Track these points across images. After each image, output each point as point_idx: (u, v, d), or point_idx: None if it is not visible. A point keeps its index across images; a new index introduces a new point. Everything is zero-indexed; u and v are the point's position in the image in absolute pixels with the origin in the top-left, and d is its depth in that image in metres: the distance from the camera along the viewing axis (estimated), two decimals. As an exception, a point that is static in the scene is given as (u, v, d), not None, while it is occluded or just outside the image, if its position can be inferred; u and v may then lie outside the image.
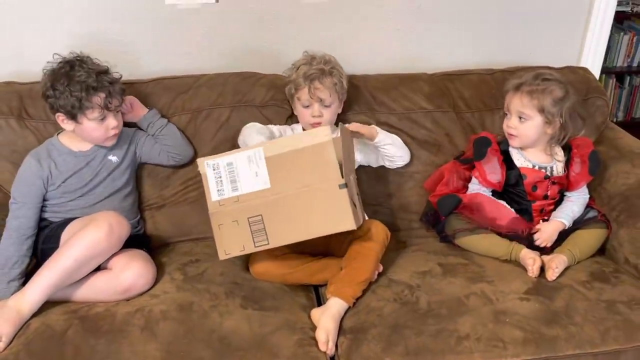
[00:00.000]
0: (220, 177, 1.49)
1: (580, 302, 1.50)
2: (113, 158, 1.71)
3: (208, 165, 1.49)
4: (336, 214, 1.44)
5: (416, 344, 1.38)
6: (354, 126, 1.67)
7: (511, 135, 1.74)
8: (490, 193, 1.75)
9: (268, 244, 1.48)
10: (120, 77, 1.67)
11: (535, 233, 1.71)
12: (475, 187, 1.76)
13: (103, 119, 1.61)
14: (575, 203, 1.75)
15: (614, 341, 1.41)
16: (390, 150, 1.78)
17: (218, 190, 1.49)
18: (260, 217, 1.47)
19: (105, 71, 1.64)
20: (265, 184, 1.47)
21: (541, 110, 1.68)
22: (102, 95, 1.59)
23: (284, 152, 1.46)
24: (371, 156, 1.83)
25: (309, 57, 1.77)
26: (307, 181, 1.44)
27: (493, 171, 1.73)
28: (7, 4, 1.83)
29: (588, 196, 1.78)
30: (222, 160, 1.49)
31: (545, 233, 1.69)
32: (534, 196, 1.73)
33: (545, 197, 1.74)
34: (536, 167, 1.74)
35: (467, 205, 1.74)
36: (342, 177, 1.43)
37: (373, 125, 1.78)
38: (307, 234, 1.48)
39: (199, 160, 1.51)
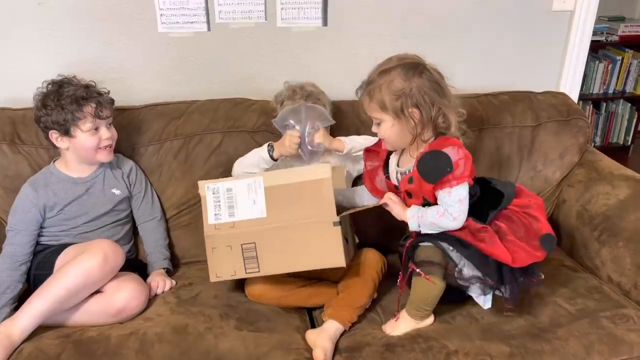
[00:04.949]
0: (219, 201, 1.51)
1: (564, 318, 1.54)
2: (117, 192, 1.73)
3: (208, 189, 1.51)
4: (328, 250, 1.46)
5: (408, 361, 1.40)
6: (320, 136, 1.65)
7: (381, 139, 1.56)
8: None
9: (259, 271, 1.50)
10: (108, 92, 1.70)
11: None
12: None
13: (96, 129, 1.64)
14: (431, 208, 1.47)
15: (598, 355, 1.44)
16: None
17: (215, 214, 1.51)
18: (253, 245, 1.49)
19: (93, 85, 1.68)
20: (261, 213, 1.49)
21: (384, 108, 1.44)
22: (93, 104, 1.62)
23: (283, 184, 1.48)
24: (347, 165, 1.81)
25: (290, 90, 1.77)
26: (303, 215, 1.46)
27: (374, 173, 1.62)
28: (0, 31, 1.85)
29: (448, 212, 1.42)
30: (223, 185, 1.51)
31: (394, 207, 1.53)
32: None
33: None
34: (397, 173, 1.56)
35: None
36: (337, 214, 1.45)
37: (338, 138, 1.75)
38: (298, 267, 1.51)
39: (200, 183, 1.53)
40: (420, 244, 1.47)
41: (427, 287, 1.46)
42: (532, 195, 1.61)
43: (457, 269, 1.45)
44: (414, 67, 1.45)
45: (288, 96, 1.76)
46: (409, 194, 1.51)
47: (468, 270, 1.46)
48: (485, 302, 1.53)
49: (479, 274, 1.45)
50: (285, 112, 1.70)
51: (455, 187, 1.41)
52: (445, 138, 1.45)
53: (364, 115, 1.55)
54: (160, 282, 1.67)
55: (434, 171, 1.42)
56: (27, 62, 1.89)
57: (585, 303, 1.60)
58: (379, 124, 1.49)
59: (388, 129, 1.47)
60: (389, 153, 1.61)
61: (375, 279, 1.62)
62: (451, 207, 1.43)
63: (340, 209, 1.50)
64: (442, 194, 1.44)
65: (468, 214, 1.46)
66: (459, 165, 1.41)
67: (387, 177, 1.60)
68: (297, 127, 1.67)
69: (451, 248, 1.45)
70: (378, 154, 1.63)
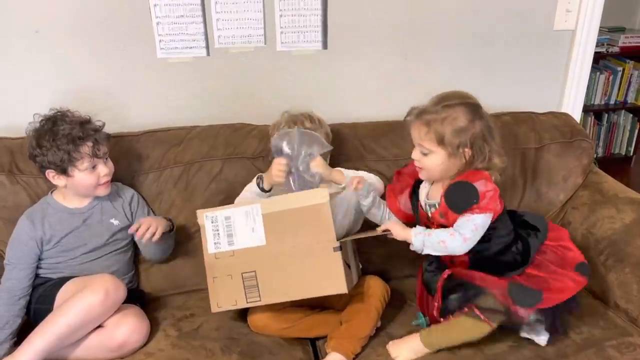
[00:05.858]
0: (217, 230, 1.50)
1: (570, 348, 1.52)
2: (115, 222, 1.71)
3: (207, 218, 1.50)
4: (329, 276, 1.44)
5: (414, 394, 1.39)
6: (317, 165, 1.57)
7: (418, 167, 1.53)
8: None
9: (260, 300, 1.48)
10: (103, 125, 1.67)
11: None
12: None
13: (94, 167, 1.62)
14: (443, 230, 1.48)
15: (605, 386, 1.43)
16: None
17: (215, 243, 1.50)
18: (254, 274, 1.47)
19: (88, 121, 1.65)
20: (260, 241, 1.47)
21: (441, 142, 1.43)
22: (89, 144, 1.59)
23: (281, 210, 1.46)
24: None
25: (289, 123, 1.68)
26: (302, 241, 1.45)
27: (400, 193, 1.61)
28: (-2, 60, 1.84)
29: (459, 232, 1.44)
30: (221, 213, 1.50)
31: (394, 228, 1.51)
32: None
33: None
34: (426, 205, 1.56)
35: None
36: (337, 239, 1.43)
37: (339, 169, 1.66)
38: (300, 294, 1.48)
39: (199, 212, 1.52)
40: (483, 292, 1.44)
41: (479, 329, 1.46)
42: (557, 227, 1.64)
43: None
44: (476, 108, 1.46)
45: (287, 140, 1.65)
46: (443, 226, 1.50)
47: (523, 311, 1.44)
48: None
49: (538, 315, 1.46)
50: (279, 136, 1.59)
51: (475, 215, 1.42)
52: (474, 172, 1.45)
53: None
54: (148, 221, 1.62)
55: (460, 202, 1.43)
56: (24, 91, 1.88)
57: (590, 332, 1.58)
58: (425, 154, 1.48)
59: (437, 163, 1.46)
60: (418, 180, 1.60)
61: (378, 308, 1.60)
62: (463, 229, 1.43)
63: (344, 234, 1.48)
64: (461, 219, 1.44)
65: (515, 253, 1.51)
66: (485, 197, 1.41)
67: (415, 205, 1.58)
68: (289, 153, 1.56)
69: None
70: (406, 177, 1.62)
